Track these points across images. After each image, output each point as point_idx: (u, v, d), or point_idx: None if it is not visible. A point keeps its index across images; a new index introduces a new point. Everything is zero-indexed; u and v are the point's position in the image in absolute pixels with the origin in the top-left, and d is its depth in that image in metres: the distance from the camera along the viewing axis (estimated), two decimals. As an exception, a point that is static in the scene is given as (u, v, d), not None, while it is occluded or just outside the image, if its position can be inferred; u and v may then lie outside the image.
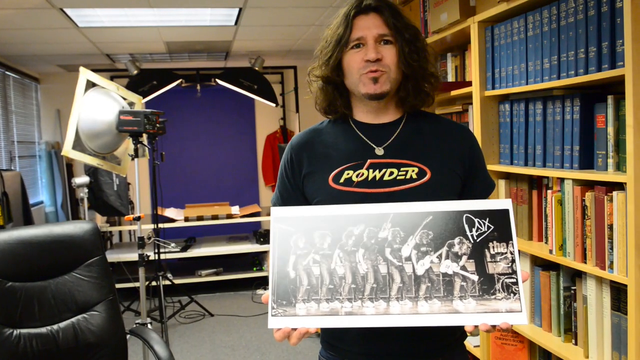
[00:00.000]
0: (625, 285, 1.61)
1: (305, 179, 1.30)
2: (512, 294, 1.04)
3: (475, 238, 1.07)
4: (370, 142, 1.28)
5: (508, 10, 2.07)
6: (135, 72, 5.60)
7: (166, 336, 3.90)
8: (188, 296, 4.69)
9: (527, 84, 2.03)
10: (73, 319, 2.01)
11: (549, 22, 1.91)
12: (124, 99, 3.62)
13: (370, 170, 1.25)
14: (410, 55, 1.24)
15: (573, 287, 1.89)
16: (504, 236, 1.07)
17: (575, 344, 1.89)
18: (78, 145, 3.39)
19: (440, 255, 1.07)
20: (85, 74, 3.40)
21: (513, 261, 1.06)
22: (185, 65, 6.18)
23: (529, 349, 2.15)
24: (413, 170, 1.23)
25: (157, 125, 3.51)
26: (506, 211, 1.08)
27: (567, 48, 1.83)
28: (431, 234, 1.08)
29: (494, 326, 1.04)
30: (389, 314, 1.05)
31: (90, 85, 3.47)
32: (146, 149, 3.97)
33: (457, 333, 1.31)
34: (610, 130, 1.70)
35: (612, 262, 1.66)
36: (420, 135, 1.29)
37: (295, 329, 1.06)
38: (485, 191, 1.33)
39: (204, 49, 5.40)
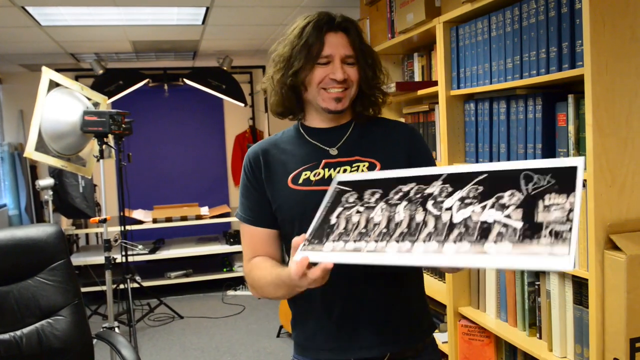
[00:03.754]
0: (587, 280, 1.65)
1: (266, 182, 1.34)
2: (560, 239, 0.84)
3: (530, 191, 0.94)
4: (323, 146, 1.35)
5: (472, 10, 2.10)
6: (101, 71, 5.50)
7: (134, 340, 3.85)
8: (157, 299, 4.63)
9: (491, 83, 2.07)
10: (37, 324, 1.96)
11: (511, 23, 1.95)
12: (89, 99, 3.56)
13: (326, 169, 1.32)
14: (372, 78, 1.34)
15: (537, 282, 1.93)
16: (566, 189, 0.90)
17: (540, 337, 1.93)
18: (41, 146, 3.32)
19: (485, 205, 0.96)
20: (48, 74, 3.33)
21: (571, 210, 0.87)
22: (153, 64, 6.10)
23: (495, 343, 2.19)
24: (364, 165, 1.32)
25: (123, 125, 3.46)
26: (574, 168, 0.92)
27: (529, 48, 1.87)
28: (480, 189, 0.99)
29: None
30: (410, 253, 0.96)
31: (54, 85, 3.40)
32: (112, 150, 3.91)
33: (424, 324, 1.37)
34: (571, 128, 1.74)
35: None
36: (368, 135, 1.38)
37: (315, 265, 1.06)
38: None
39: (171, 48, 5.34)
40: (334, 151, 1.34)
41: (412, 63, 2.77)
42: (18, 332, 1.93)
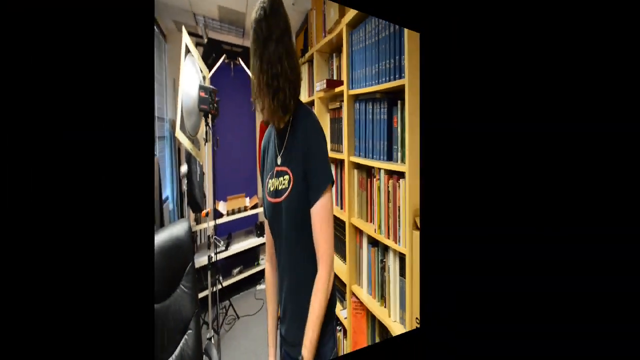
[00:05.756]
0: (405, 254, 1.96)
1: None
2: None
3: None
4: (277, 149, 1.30)
5: (360, 14, 2.31)
6: (205, 40, 4.09)
7: (219, 351, 2.93)
8: (228, 300, 3.63)
9: (365, 86, 2.35)
10: (181, 342, 1.60)
11: (371, 35, 2.23)
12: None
13: (274, 180, 1.28)
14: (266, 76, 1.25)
15: (384, 260, 2.23)
16: None
17: (385, 306, 2.23)
18: (182, 125, 2.83)
19: None
20: (185, 38, 2.86)
21: None
22: (231, 39, 4.49)
23: (366, 315, 2.45)
24: (285, 179, 1.24)
25: (215, 105, 2.89)
26: None
27: (380, 59, 2.17)
28: None
29: None
30: None
31: (187, 51, 2.85)
32: (209, 132, 2.98)
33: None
34: (400, 129, 2.02)
35: (399, 237, 2.01)
36: (293, 137, 1.26)
37: None
38: (313, 191, 1.22)
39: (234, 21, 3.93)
40: (279, 159, 1.27)
41: (332, 63, 2.90)
42: (172, 357, 1.58)
